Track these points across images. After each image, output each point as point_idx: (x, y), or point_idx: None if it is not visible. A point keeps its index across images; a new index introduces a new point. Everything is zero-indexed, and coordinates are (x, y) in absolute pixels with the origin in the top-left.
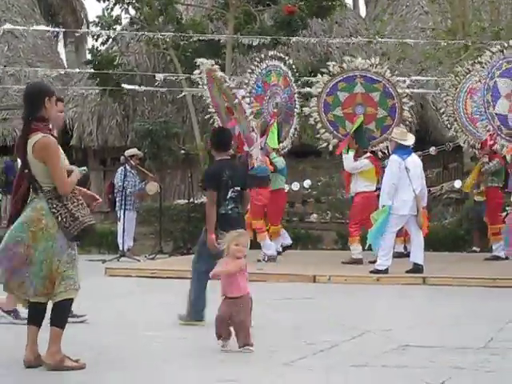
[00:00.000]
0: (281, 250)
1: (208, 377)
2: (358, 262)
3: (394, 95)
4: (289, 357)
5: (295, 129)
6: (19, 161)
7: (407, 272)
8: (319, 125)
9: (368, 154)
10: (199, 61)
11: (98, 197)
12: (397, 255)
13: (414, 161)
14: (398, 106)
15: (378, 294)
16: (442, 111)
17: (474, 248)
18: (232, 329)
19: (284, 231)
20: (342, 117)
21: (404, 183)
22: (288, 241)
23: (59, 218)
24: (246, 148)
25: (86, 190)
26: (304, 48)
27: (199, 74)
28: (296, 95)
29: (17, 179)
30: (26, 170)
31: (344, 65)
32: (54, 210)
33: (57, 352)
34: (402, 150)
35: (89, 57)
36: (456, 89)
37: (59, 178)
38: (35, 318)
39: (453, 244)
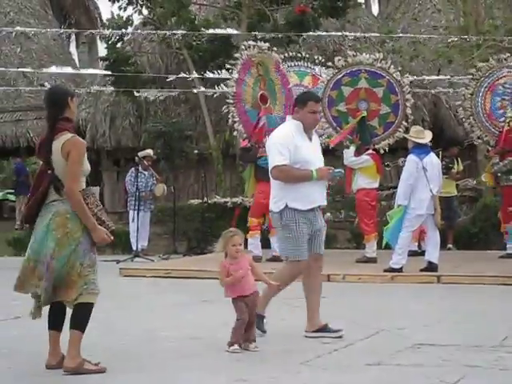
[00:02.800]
0: None
1: (223, 377)
2: (372, 260)
3: (398, 92)
4: (304, 356)
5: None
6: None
7: (422, 270)
8: (323, 119)
9: (369, 151)
10: (250, 43)
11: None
12: (411, 253)
13: (432, 161)
14: (402, 102)
15: (392, 292)
16: (457, 104)
17: None
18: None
19: None
20: (346, 112)
21: (421, 183)
22: None
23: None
24: (264, 141)
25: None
26: (316, 47)
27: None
28: None
29: (36, 180)
30: (50, 171)
31: (349, 59)
32: None
33: (77, 356)
34: (420, 149)
35: (104, 52)
36: (477, 83)
37: (74, 172)
38: (55, 323)
39: (467, 242)
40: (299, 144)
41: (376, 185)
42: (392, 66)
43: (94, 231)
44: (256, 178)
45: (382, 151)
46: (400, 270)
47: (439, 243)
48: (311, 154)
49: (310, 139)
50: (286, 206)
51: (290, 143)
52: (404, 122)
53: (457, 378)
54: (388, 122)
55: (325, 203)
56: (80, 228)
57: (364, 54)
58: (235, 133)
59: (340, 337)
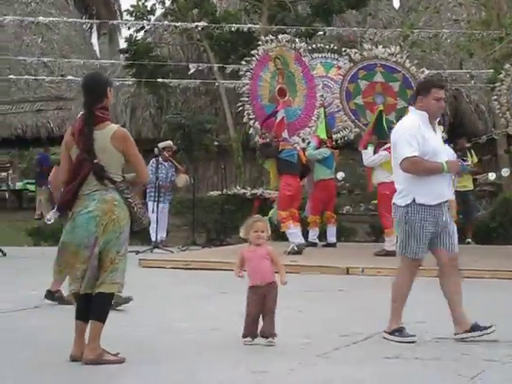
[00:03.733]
0: (317, 241)
1: (241, 368)
2: (391, 254)
3: (414, 85)
4: (322, 348)
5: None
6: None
7: None
8: (341, 112)
9: (387, 145)
10: (281, 37)
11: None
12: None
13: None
14: None
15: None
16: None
17: None
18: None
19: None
20: (363, 105)
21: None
22: (331, 239)
23: (135, 209)
24: (284, 134)
25: None
26: (337, 40)
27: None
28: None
29: (74, 168)
30: (95, 161)
31: (365, 53)
32: (130, 201)
33: (97, 347)
34: None
35: (124, 45)
36: None
37: (142, 165)
38: (83, 313)
39: (486, 237)
40: (426, 135)
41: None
42: (408, 61)
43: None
44: (279, 171)
45: None
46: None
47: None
48: (439, 146)
49: (435, 130)
50: (414, 200)
51: (417, 134)
52: None
53: (475, 372)
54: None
55: (452, 197)
56: (126, 216)
57: (380, 48)
58: (251, 130)
59: (491, 332)
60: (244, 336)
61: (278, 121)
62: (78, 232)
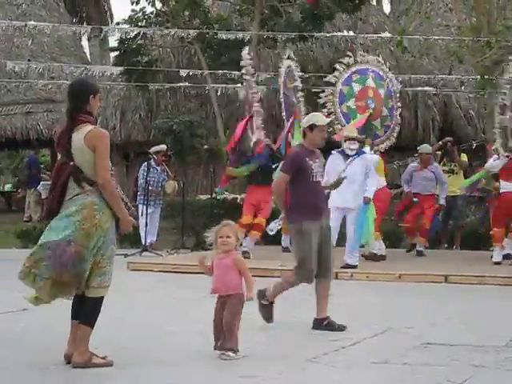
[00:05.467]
0: None
1: (230, 372)
2: (381, 258)
3: (394, 96)
4: (311, 353)
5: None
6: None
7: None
8: (332, 116)
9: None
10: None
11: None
12: (419, 254)
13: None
14: (396, 107)
15: (400, 291)
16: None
17: None
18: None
19: None
20: (355, 109)
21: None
22: None
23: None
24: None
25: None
26: (328, 44)
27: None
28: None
29: (55, 173)
30: (72, 163)
31: (358, 58)
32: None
33: (85, 351)
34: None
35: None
36: None
37: (104, 164)
38: (77, 312)
39: (475, 242)
40: None
41: (384, 183)
42: (389, 71)
43: (124, 220)
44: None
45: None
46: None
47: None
48: None
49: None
50: None
51: None
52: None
53: (464, 377)
54: (385, 124)
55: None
56: (109, 219)
57: (371, 56)
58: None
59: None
60: (214, 347)
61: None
62: (47, 234)
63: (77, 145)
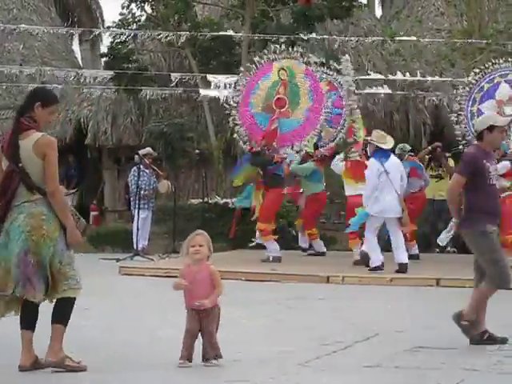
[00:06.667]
0: (324, 249)
1: (223, 377)
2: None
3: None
4: (303, 357)
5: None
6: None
7: (396, 272)
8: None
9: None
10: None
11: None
12: (412, 258)
13: (393, 163)
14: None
15: (391, 294)
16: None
17: None
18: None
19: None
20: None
21: (387, 186)
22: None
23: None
24: (274, 144)
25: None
26: (319, 49)
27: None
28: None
29: (4, 180)
30: (20, 169)
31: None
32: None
33: (60, 350)
34: (381, 153)
35: (105, 50)
36: None
37: (54, 173)
38: (30, 322)
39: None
40: None
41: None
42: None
43: (72, 231)
44: (266, 183)
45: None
46: (380, 267)
47: (403, 243)
48: None
49: None
50: None
51: None
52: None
53: (455, 381)
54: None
55: None
56: (57, 228)
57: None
58: (235, 135)
59: None
60: (180, 358)
61: (271, 129)
62: (7, 248)
63: (25, 154)
